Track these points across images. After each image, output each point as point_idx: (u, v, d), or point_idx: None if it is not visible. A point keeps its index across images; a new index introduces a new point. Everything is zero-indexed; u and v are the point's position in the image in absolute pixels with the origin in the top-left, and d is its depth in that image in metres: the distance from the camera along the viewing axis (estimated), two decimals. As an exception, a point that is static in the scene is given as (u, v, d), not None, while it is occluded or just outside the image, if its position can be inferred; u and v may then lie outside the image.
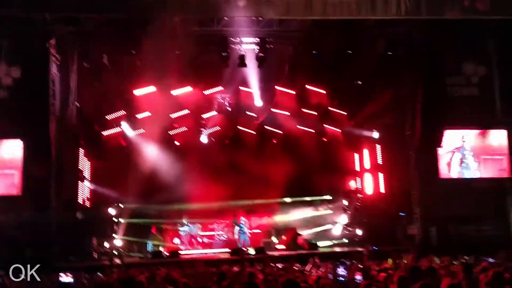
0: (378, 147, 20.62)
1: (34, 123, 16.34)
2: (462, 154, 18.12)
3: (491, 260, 10.90)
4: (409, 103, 18.38)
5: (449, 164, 18.07)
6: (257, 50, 17.27)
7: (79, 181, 18.75)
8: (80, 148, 18.96)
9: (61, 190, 17.02)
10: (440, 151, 17.97)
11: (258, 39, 17.13)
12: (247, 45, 17.45)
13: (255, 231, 20.53)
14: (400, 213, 18.93)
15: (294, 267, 11.30)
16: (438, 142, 17.87)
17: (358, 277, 5.72)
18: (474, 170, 18.12)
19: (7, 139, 16.52)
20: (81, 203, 18.77)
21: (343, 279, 4.50)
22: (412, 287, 4.98)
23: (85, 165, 19.47)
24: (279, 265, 12.53)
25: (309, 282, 6.94)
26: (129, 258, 17.79)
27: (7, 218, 15.59)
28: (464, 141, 18.19)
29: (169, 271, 10.21)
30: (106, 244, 18.41)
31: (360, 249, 17.09)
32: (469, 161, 18.12)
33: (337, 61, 17.85)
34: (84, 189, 19.18)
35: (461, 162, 18.10)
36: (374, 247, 16.97)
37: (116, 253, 17.63)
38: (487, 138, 18.14)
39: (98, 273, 11.32)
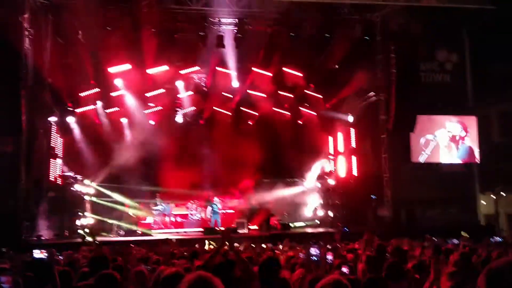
0: (352, 130, 20.84)
1: (5, 98, 16.00)
2: (433, 139, 18.50)
3: (455, 241, 11.27)
4: (383, 88, 18.60)
5: (420, 149, 18.45)
6: (235, 31, 17.19)
7: (50, 158, 18.48)
8: (52, 125, 18.65)
9: (31, 166, 16.77)
10: (412, 136, 18.30)
11: (236, 20, 17.04)
12: (226, 26, 17.36)
13: (228, 211, 20.63)
14: (372, 196, 19.25)
15: (266, 247, 11.44)
16: (410, 127, 18.19)
17: (330, 257, 5.83)
18: (445, 156, 18.54)
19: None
20: (53, 180, 18.52)
21: (316, 258, 4.58)
22: (381, 266, 5.09)
23: (57, 142, 19.17)
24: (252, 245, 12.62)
25: (281, 262, 7.06)
26: (101, 236, 17.69)
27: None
28: (436, 127, 18.56)
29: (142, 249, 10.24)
30: (78, 222, 18.27)
31: (331, 230, 17.37)
32: (441, 147, 18.52)
33: (314, 44, 17.92)
34: (56, 167, 18.92)
35: (432, 147, 18.49)
36: (345, 228, 17.28)
37: (88, 231, 17.51)
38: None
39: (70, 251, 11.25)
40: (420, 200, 18.13)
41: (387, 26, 17.70)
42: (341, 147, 21.85)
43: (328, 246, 8.29)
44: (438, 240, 11.31)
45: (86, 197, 19.23)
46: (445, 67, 19.17)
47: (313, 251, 4.59)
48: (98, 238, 16.71)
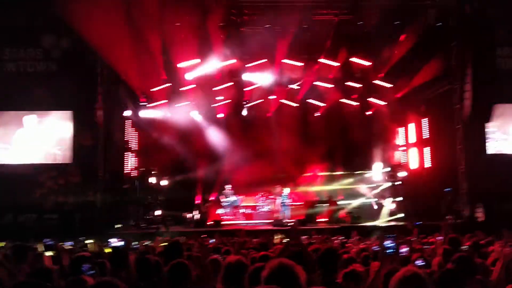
0: (425, 121, 20.17)
1: (84, 95, 16.87)
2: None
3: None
4: (458, 76, 17.84)
5: (498, 140, 17.59)
6: (302, 21, 17.03)
7: (126, 152, 19.30)
8: (127, 120, 19.45)
9: (108, 160, 17.58)
10: (489, 126, 17.47)
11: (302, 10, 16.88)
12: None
13: (297, 203, 20.61)
14: (446, 189, 18.58)
15: (336, 240, 11.33)
16: (487, 117, 17.36)
17: (404, 249, 5.70)
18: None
19: (58, 110, 17.16)
20: (128, 173, 19.32)
21: (392, 251, 4.47)
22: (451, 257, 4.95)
23: (131, 136, 19.96)
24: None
25: (351, 254, 6.96)
26: (173, 227, 18.20)
27: (57, 185, 16.30)
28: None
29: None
30: (152, 213, 18.91)
31: (403, 223, 16.94)
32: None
33: (383, 32, 17.43)
34: (131, 160, 19.70)
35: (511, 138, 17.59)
36: (417, 222, 16.78)
37: (162, 222, 18.09)
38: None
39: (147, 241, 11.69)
40: (497, 193, 17.25)
41: (462, 11, 16.91)
42: (412, 138, 21.21)
43: (403, 239, 8.11)
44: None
45: (159, 189, 19.83)
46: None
47: (389, 243, 4.48)
48: (172, 229, 17.22)
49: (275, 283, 2.52)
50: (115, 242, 7.60)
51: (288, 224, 17.72)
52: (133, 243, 10.68)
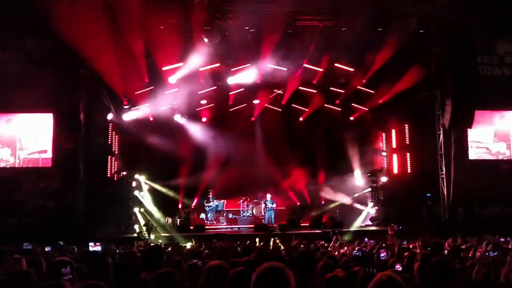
0: (406, 126, 20.38)
1: (65, 97, 16.70)
2: (492, 135, 17.81)
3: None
4: (439, 83, 18.06)
5: (478, 146, 17.82)
6: (286, 27, 17.07)
7: (108, 155, 19.15)
8: (108, 123, 19.31)
9: (89, 163, 17.42)
10: (470, 131, 17.69)
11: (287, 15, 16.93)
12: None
13: (280, 208, 20.63)
14: (427, 194, 18.79)
15: (318, 244, 11.37)
16: (468, 123, 17.57)
17: (383, 254, 5.74)
18: (504, 152, 17.82)
19: (39, 112, 16.96)
20: (109, 176, 19.17)
21: (359, 254, 4.49)
22: (430, 261, 5.00)
23: (113, 139, 19.81)
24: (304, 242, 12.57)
25: (334, 259, 6.99)
26: (155, 231, 18.09)
27: (37, 189, 16.09)
28: (495, 123, 17.86)
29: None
30: (133, 217, 18.77)
31: (384, 228, 17.06)
32: (499, 143, 17.81)
33: (366, 38, 17.57)
34: (112, 163, 19.55)
35: (491, 144, 17.81)
36: (398, 226, 16.92)
37: (143, 226, 17.96)
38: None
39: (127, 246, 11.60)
40: (477, 198, 17.48)
41: (444, 18, 17.13)
42: (394, 144, 21.41)
43: (382, 244, 8.17)
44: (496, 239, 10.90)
45: (142, 193, 19.71)
46: (505, 60, 18.39)
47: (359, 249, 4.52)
48: (153, 233, 17.11)
49: (265, 287, 2.50)
50: (93, 246, 7.52)
51: (268, 228, 17.72)
52: (113, 248, 10.61)
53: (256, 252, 5.55)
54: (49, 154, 16.91)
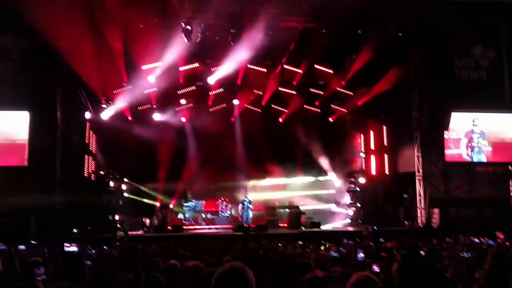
0: (384, 128, 20.59)
1: (41, 96, 16.43)
2: (470, 137, 18.08)
3: (490, 242, 11.00)
4: (417, 85, 18.29)
5: (455, 147, 18.06)
6: (266, 28, 17.08)
7: (85, 155, 18.92)
8: (86, 122, 19.08)
9: (66, 162, 17.18)
10: (446, 134, 17.93)
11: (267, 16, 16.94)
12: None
13: (258, 209, 20.64)
14: (404, 195, 18.99)
15: (296, 245, 11.39)
16: (445, 125, 17.82)
17: (361, 255, 5.78)
18: (481, 154, 18.09)
19: (14, 110, 16.65)
20: (87, 176, 18.93)
21: (335, 255, 4.51)
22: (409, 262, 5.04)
23: (91, 139, 19.58)
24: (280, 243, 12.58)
25: (311, 260, 7.00)
26: (132, 231, 17.92)
27: (13, 189, 15.79)
28: (474, 125, 18.13)
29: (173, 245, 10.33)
30: (110, 217, 18.56)
31: (361, 229, 17.19)
32: (477, 145, 18.08)
33: (346, 40, 17.70)
34: (90, 163, 19.31)
35: (469, 145, 18.08)
36: (373, 227, 17.05)
37: (120, 226, 17.78)
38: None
39: (103, 246, 11.45)
40: (454, 199, 17.74)
41: (422, 21, 17.36)
42: (372, 145, 21.61)
43: (359, 244, 8.22)
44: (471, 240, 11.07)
45: (119, 193, 19.52)
46: (481, 63, 18.70)
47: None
48: (129, 233, 16.93)
49: (226, 285, 2.50)
50: (68, 247, 7.41)
51: (246, 229, 17.66)
52: (89, 248, 10.46)
53: (234, 253, 5.54)
54: (25, 153, 16.58)
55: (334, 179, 21.98)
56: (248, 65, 19.15)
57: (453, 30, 18.00)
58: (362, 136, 22.33)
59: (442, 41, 17.90)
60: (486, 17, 17.64)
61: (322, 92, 20.66)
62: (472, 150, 18.12)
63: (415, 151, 18.49)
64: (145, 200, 20.20)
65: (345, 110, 21.22)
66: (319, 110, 21.62)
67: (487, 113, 18.20)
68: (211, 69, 19.10)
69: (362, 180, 21.24)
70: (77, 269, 4.54)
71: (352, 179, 21.53)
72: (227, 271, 2.53)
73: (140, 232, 18.46)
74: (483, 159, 18.21)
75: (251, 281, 2.51)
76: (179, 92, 19.83)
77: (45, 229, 15.20)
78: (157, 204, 20.38)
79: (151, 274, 4.37)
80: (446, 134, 18.02)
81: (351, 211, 21.03)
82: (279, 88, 20.42)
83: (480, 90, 18.11)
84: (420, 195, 18.26)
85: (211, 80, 19.10)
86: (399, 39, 17.68)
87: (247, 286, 2.49)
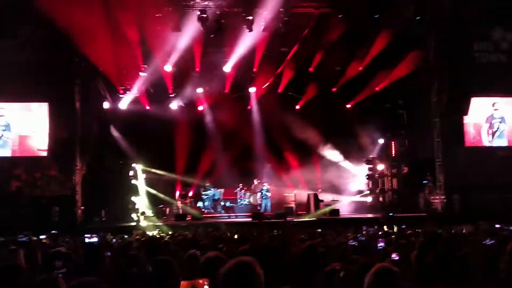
0: (403, 114, 20.38)
1: (60, 86, 16.60)
2: (491, 122, 17.80)
3: None
4: (436, 70, 18.01)
5: (475, 132, 17.82)
6: (282, 14, 16.93)
7: (105, 144, 19.12)
8: (105, 111, 19.26)
9: (86, 153, 17.38)
10: (466, 119, 17.68)
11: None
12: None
13: (277, 196, 20.66)
14: (424, 181, 18.81)
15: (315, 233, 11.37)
16: (464, 110, 17.56)
17: (381, 244, 5.74)
18: (502, 139, 17.82)
19: (34, 102, 16.86)
20: (107, 165, 19.15)
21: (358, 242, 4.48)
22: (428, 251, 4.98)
23: (110, 128, 19.76)
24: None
25: (331, 247, 6.98)
26: (153, 221, 18.08)
27: (33, 178, 16.04)
28: (495, 109, 17.85)
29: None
30: (131, 207, 18.76)
31: (379, 215, 17.12)
32: (498, 130, 17.80)
33: (363, 25, 17.47)
34: (109, 153, 19.51)
35: (490, 130, 17.82)
36: (390, 214, 16.96)
37: (141, 215, 17.96)
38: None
39: (124, 235, 11.57)
40: (475, 185, 17.49)
41: (440, 4, 17.05)
42: (391, 132, 21.41)
43: (379, 233, 8.17)
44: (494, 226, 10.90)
45: (140, 182, 19.68)
46: (501, 46, 18.33)
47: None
48: (151, 221, 17.11)
49: (233, 281, 2.50)
50: (88, 238, 7.50)
51: (262, 218, 17.66)
52: (110, 237, 10.59)
53: (251, 242, 5.54)
54: (45, 143, 16.80)
55: (351, 166, 21.86)
56: (264, 52, 19.03)
57: (471, 13, 17.63)
58: (380, 122, 22.09)
59: (460, 24, 17.55)
60: (505, 0, 17.23)
61: (339, 78, 20.46)
62: (492, 135, 17.85)
63: (435, 136, 18.25)
64: (165, 189, 20.34)
65: (363, 96, 21.00)
66: (336, 97, 21.43)
67: (508, 97, 17.86)
68: (227, 57, 19.03)
69: (380, 166, 21.09)
70: (97, 261, 4.59)
71: (371, 166, 21.40)
72: (235, 266, 2.52)
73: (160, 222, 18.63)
74: (504, 143, 17.93)
75: (259, 274, 2.50)
76: (195, 80, 19.82)
77: (66, 219, 15.43)
78: (177, 192, 20.54)
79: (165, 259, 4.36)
80: (466, 119, 17.77)
81: (370, 198, 20.94)
82: (295, 75, 20.28)
83: (500, 74, 17.76)
84: (440, 181, 18.05)
85: (227, 68, 19.04)
86: (417, 22, 17.38)
87: (254, 281, 2.48)
